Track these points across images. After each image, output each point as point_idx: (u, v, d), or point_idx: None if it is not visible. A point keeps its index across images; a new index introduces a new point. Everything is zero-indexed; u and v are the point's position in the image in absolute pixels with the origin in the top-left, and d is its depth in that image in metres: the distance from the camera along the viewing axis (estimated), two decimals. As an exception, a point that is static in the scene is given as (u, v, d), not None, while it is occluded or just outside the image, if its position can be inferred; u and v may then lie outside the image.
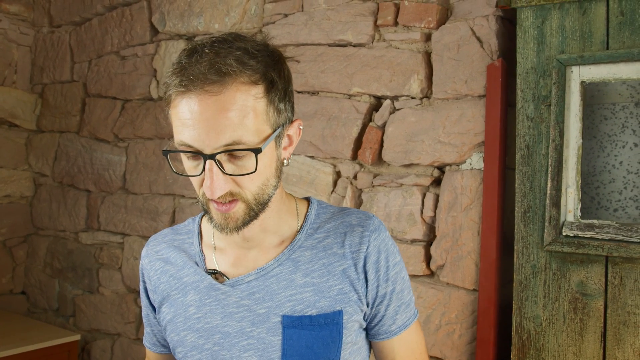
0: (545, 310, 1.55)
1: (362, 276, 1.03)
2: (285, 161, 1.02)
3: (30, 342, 2.45)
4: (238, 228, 0.97)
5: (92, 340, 2.74)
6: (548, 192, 1.56)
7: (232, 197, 0.94)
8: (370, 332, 1.08)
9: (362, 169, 1.94)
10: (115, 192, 2.67)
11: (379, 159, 1.91)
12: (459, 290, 1.73)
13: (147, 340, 1.21)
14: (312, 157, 2.04)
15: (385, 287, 1.05)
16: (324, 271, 1.03)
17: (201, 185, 0.94)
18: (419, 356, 1.12)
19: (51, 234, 2.96)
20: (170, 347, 1.11)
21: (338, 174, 1.99)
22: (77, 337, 2.56)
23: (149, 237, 2.51)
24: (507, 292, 1.70)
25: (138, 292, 2.56)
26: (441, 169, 1.81)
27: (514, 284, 1.60)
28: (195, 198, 2.38)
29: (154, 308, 1.15)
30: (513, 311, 1.59)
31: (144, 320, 1.20)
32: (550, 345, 1.54)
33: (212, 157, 0.90)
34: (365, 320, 1.07)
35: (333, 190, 1.98)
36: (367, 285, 1.04)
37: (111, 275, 2.66)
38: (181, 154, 0.94)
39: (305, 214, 1.09)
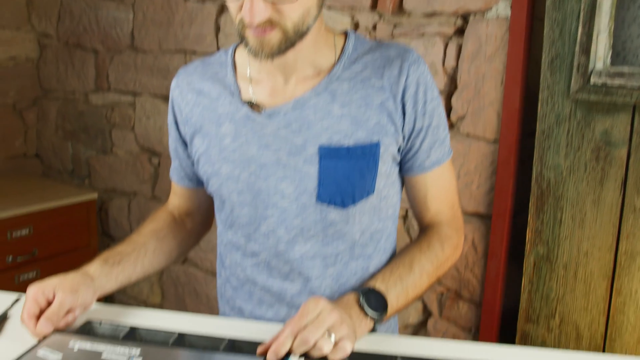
0: (567, 159, 1.54)
1: (399, 108, 1.02)
2: None
3: (48, 200, 2.49)
4: (273, 54, 0.95)
5: (109, 200, 2.79)
6: (578, 38, 1.49)
7: (270, 25, 0.92)
8: (404, 166, 1.08)
9: (382, 20, 1.86)
10: (124, 51, 2.60)
11: (399, 8, 1.82)
12: (479, 141, 1.72)
13: (175, 174, 1.21)
14: (329, 7, 1.95)
15: (422, 120, 1.04)
16: (362, 103, 1.02)
17: (239, 10, 0.92)
18: (450, 194, 1.12)
19: (60, 96, 2.92)
20: (204, 179, 1.10)
21: (356, 25, 1.91)
22: (95, 195, 2.60)
23: (161, 95, 2.48)
24: (527, 144, 1.68)
25: (152, 152, 2.56)
26: (465, 17, 1.73)
27: (536, 134, 1.57)
28: (207, 54, 2.32)
29: (183, 141, 1.14)
30: (534, 160, 1.58)
31: (171, 154, 1.19)
32: (570, 194, 1.54)
33: None
34: (399, 154, 1.06)
35: (351, 43, 1.91)
36: (404, 117, 1.03)
37: (124, 136, 2.66)
38: None
39: (343, 47, 1.06)
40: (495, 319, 1.73)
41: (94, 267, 1.06)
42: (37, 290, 0.96)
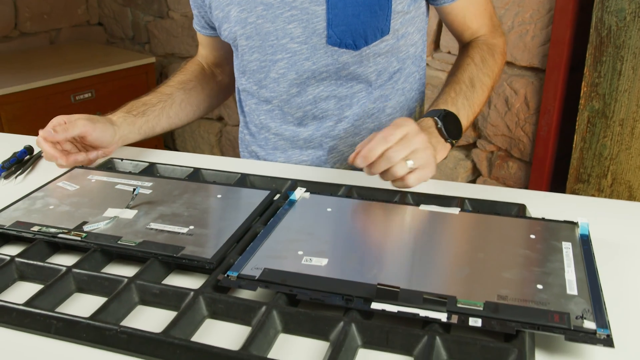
0: (632, 3, 1.38)
1: None
2: None
3: (110, 64, 2.55)
4: None
5: (168, 65, 2.82)
6: None
7: None
8: None
9: None
10: None
11: None
12: (536, -13, 1.57)
13: (197, 23, 1.18)
14: None
15: None
16: None
17: None
18: (488, 6, 1.06)
19: (117, -40, 2.89)
20: (216, 25, 1.07)
21: None
22: (152, 59, 2.63)
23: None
24: (591, -11, 1.52)
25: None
26: None
27: (600, -26, 1.41)
28: None
29: None
30: (594, 5, 1.43)
31: (191, 2, 1.14)
32: (632, 42, 1.40)
33: None
34: None
35: None
36: None
37: (178, -2, 2.63)
38: None
39: None
40: (544, 179, 1.67)
41: (116, 116, 1.07)
42: (59, 118, 0.99)
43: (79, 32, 3.07)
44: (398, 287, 0.62)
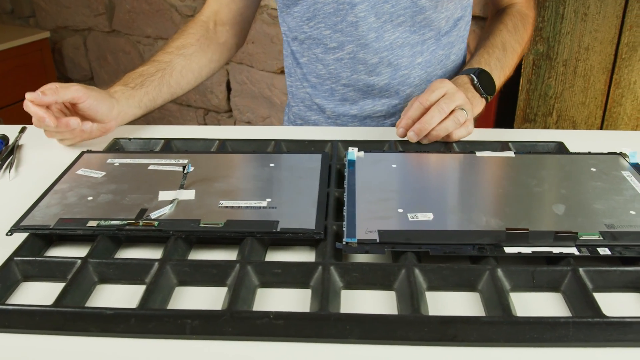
0: (572, -52, 1.47)
1: None
2: None
3: (-3, 42, 2.28)
4: None
5: (61, 39, 2.57)
6: None
7: None
8: None
9: None
10: None
11: None
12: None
13: None
14: None
15: None
16: None
17: None
18: None
19: None
20: None
21: None
22: (46, 34, 2.39)
23: None
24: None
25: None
26: None
27: None
28: None
29: None
30: (537, -48, 1.50)
31: None
32: (572, -15, 1.49)
33: None
34: None
35: None
36: None
37: (69, -36, 2.39)
38: None
39: None
40: (491, 123, 1.75)
41: (113, 89, 0.98)
42: (52, 84, 0.89)
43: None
44: (527, 229, 0.63)
